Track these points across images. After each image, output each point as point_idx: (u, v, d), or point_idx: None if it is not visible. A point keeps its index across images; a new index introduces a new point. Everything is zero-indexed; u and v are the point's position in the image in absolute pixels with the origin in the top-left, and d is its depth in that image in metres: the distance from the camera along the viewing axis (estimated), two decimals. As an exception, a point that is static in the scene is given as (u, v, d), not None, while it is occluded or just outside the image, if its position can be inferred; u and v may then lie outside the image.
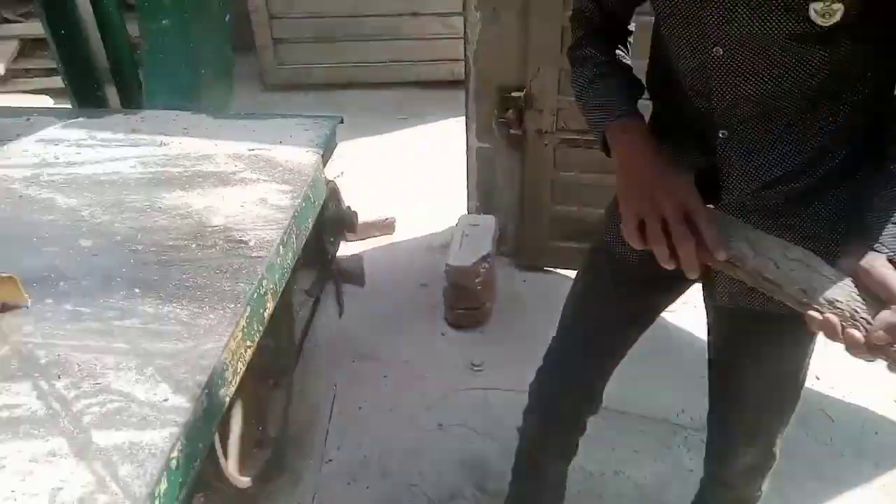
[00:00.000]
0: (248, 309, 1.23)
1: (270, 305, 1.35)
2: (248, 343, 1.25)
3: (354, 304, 2.71)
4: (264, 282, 1.31)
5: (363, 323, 2.65)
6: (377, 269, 2.87)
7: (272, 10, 4.00)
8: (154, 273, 1.29)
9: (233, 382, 1.19)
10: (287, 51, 4.18)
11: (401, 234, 3.21)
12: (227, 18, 2.03)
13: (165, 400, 1.04)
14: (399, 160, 3.80)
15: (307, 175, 1.59)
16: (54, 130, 1.76)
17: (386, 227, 3.22)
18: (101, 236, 1.38)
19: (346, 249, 2.77)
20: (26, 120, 1.81)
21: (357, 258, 2.84)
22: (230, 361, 1.17)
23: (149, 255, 1.33)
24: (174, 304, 1.22)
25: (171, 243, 1.37)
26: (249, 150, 1.67)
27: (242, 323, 1.21)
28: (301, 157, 1.65)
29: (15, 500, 0.90)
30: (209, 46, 1.99)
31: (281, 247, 1.39)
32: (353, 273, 2.79)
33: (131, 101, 1.97)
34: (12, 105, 2.70)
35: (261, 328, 1.30)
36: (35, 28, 4.53)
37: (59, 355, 1.12)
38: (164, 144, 1.69)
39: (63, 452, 0.97)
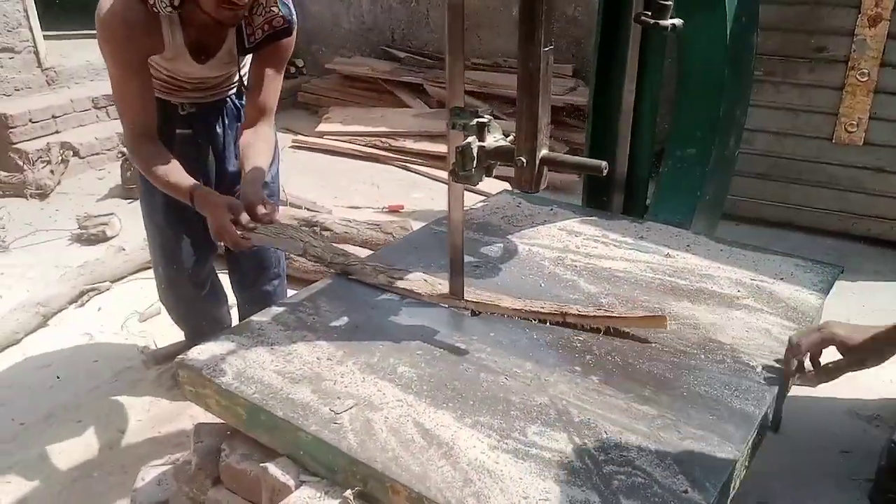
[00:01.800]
0: (755, 432, 1.29)
1: (763, 436, 1.39)
2: (747, 464, 1.30)
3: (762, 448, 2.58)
4: (767, 410, 1.35)
5: (770, 470, 2.51)
6: (793, 419, 2.70)
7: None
8: (668, 371, 1.42)
9: (728, 498, 1.24)
10: (734, 182, 4.25)
11: (823, 389, 2.98)
12: (736, 154, 2.17)
13: (685, 492, 1.13)
14: (834, 312, 3.56)
15: (811, 317, 1.60)
16: (573, 223, 2.06)
17: (810, 379, 3.03)
18: (620, 325, 1.57)
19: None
20: (550, 210, 2.15)
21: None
22: (737, 475, 1.23)
23: (663, 354, 1.48)
24: (688, 406, 1.33)
25: (682, 348, 1.49)
26: (751, 279, 1.75)
27: (750, 442, 1.26)
28: (804, 297, 1.68)
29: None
30: (716, 175, 2.15)
31: (783, 381, 1.42)
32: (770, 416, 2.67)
33: (632, 210, 2.21)
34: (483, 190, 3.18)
35: (754, 453, 1.34)
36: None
37: (589, 419, 1.30)
38: (670, 256, 1.86)
39: (597, 505, 1.12)
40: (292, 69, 6.71)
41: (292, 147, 5.59)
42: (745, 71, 2.09)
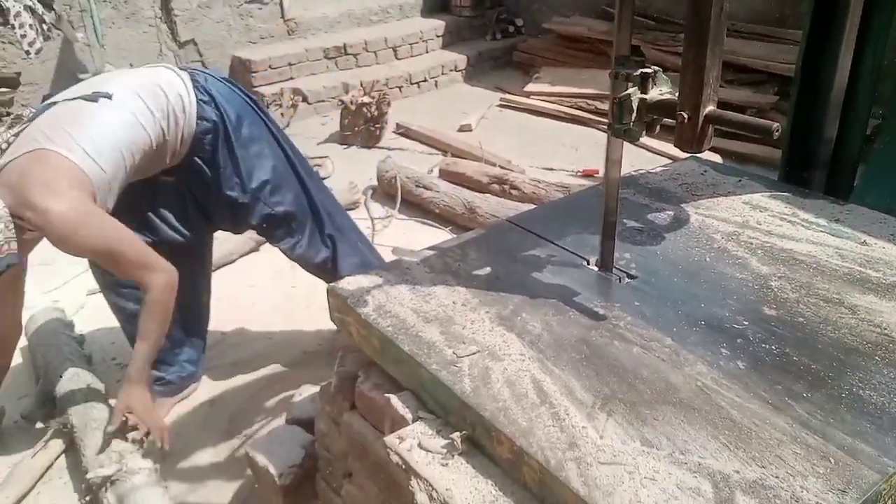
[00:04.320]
0: (924, 452, 1.10)
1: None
2: (906, 486, 1.11)
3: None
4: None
5: None
6: None
7: None
8: (830, 368, 1.25)
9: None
10: None
11: None
12: None
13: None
14: None
15: None
16: (760, 197, 1.87)
17: None
18: (785, 312, 1.41)
19: None
20: (738, 181, 1.96)
21: None
22: (884, 495, 1.06)
23: (829, 349, 1.30)
24: (843, 409, 1.16)
25: (853, 346, 1.31)
26: (966, 280, 1.48)
27: (912, 462, 1.08)
28: None
29: None
30: (948, 158, 1.83)
31: (979, 401, 1.19)
32: None
33: (836, 191, 1.95)
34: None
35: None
36: (733, 95, 4.93)
37: (721, 405, 1.19)
38: (866, 244, 1.63)
39: (707, 494, 1.02)
40: (510, 28, 6.73)
41: (499, 106, 5.65)
42: None
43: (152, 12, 5.24)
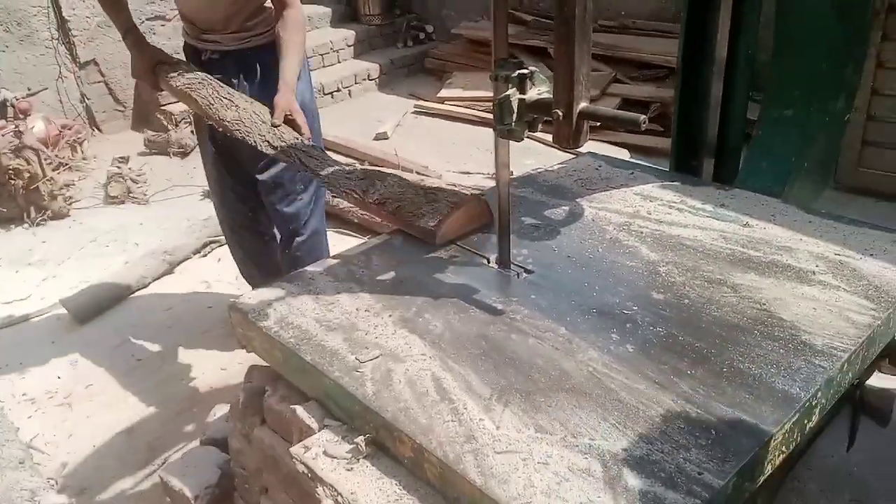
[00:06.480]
0: (796, 416, 1.17)
1: (815, 420, 1.26)
2: (784, 449, 1.19)
3: (866, 442, 2.34)
4: (819, 394, 1.23)
5: (872, 467, 2.28)
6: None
7: (875, 111, 3.73)
8: (712, 345, 1.32)
9: (756, 483, 1.14)
10: (874, 155, 3.86)
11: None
12: (846, 118, 1.96)
13: (700, 474, 1.05)
14: None
15: (895, 298, 1.43)
16: (651, 188, 1.95)
17: None
18: (672, 295, 1.48)
19: (879, 381, 2.42)
20: (630, 174, 2.04)
21: (889, 395, 2.45)
22: (767, 461, 1.13)
23: (713, 327, 1.37)
24: (723, 382, 1.23)
25: (734, 322, 1.38)
26: (835, 253, 1.58)
27: (786, 427, 1.16)
28: (892, 276, 1.50)
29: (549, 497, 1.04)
30: (820, 141, 1.95)
31: (846, 364, 1.29)
32: (878, 409, 2.41)
33: (724, 177, 2.05)
34: (599, 153, 3.07)
35: (798, 438, 1.23)
36: (637, 91, 5.11)
37: (611, 388, 1.24)
38: (748, 226, 1.72)
39: (596, 474, 1.07)
40: (421, 35, 6.78)
41: (414, 113, 5.67)
42: (857, 24, 1.86)
43: (48, 33, 5.05)
